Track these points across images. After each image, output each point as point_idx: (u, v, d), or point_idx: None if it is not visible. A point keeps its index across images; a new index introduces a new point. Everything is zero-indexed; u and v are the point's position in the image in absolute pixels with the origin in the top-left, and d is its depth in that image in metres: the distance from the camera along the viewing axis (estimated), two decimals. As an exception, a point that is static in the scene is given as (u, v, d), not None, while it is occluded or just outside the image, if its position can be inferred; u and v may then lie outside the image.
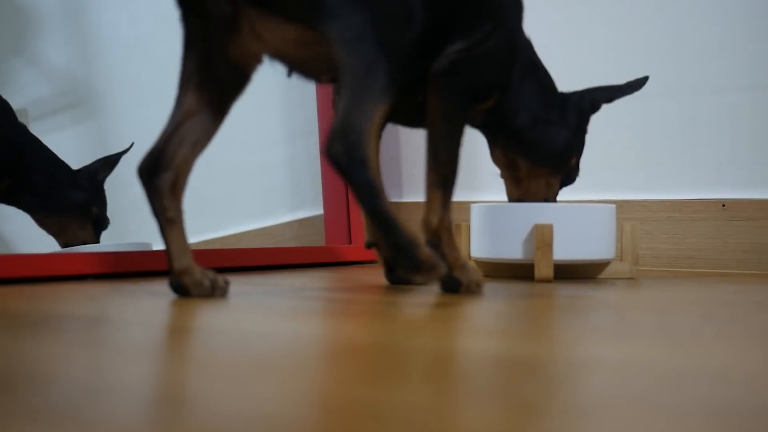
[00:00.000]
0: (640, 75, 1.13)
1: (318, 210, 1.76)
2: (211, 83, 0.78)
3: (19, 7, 2.22)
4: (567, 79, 1.09)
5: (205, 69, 0.77)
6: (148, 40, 2.06)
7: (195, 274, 0.78)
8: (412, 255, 0.70)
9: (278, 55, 0.79)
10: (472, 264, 0.90)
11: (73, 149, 1.61)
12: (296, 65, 0.81)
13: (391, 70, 0.70)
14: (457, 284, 0.85)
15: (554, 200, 1.09)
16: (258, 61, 0.80)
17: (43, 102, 2.14)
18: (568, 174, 1.08)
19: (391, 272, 0.98)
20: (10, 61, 2.21)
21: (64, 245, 1.57)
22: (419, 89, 0.86)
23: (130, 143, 1.62)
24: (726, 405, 0.37)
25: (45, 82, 2.21)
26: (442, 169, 0.85)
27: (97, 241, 1.58)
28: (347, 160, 0.66)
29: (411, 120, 0.95)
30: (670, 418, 0.34)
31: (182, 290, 0.78)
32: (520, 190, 1.07)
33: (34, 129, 1.57)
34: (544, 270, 1.05)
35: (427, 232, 0.86)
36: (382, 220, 0.68)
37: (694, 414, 0.35)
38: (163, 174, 0.77)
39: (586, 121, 1.08)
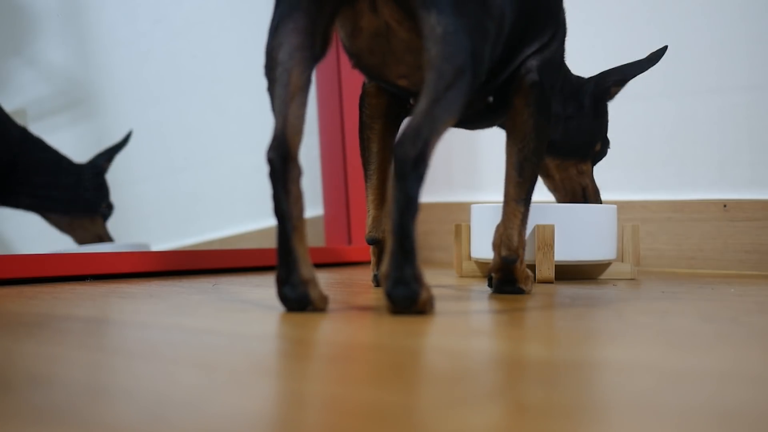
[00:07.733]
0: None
1: (318, 210, 1.76)
2: (309, 58, 0.70)
3: (19, 7, 2.22)
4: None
5: (307, 42, 0.69)
6: (147, 40, 2.06)
7: (318, 285, 0.69)
8: (415, 291, 0.63)
9: (381, 29, 0.74)
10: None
11: (72, 149, 1.60)
12: (383, 47, 0.76)
13: (473, 83, 0.67)
14: (521, 294, 0.86)
15: (593, 188, 1.11)
16: (354, 34, 0.75)
17: (42, 102, 2.14)
18: (596, 156, 1.11)
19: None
20: (9, 61, 2.21)
21: (80, 243, 1.57)
22: (482, 93, 0.84)
23: (127, 133, 1.62)
24: (727, 406, 0.37)
25: (44, 82, 2.21)
26: (527, 184, 0.83)
27: (108, 234, 1.59)
28: (411, 168, 0.63)
29: (465, 122, 0.91)
30: (671, 419, 0.34)
31: (305, 302, 0.68)
32: (553, 183, 1.09)
33: (33, 129, 1.57)
34: (545, 271, 1.05)
35: (506, 249, 0.83)
36: (405, 241, 0.63)
37: (696, 415, 0.35)
38: (291, 166, 0.67)
39: (604, 106, 1.09)
